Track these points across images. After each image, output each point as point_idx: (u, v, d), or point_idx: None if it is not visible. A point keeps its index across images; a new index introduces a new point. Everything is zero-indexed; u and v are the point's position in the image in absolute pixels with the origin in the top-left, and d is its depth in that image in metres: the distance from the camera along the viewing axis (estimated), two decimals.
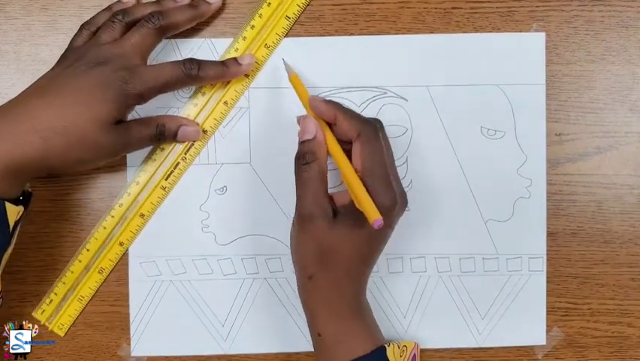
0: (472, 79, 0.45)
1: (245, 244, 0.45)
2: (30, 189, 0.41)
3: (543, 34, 0.45)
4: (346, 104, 0.44)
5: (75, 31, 0.42)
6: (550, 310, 0.45)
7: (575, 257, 0.46)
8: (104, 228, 0.44)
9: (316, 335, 0.39)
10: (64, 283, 0.44)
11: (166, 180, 0.44)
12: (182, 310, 0.45)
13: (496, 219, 0.45)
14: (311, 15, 0.45)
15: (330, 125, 0.39)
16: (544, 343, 0.45)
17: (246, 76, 0.44)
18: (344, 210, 0.38)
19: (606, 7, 0.45)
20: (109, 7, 0.43)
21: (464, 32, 0.45)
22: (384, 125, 0.39)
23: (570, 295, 0.46)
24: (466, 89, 0.45)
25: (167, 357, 0.45)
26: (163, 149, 0.44)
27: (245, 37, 0.44)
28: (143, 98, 0.40)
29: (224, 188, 0.45)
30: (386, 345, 0.39)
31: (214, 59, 0.44)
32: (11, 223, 0.38)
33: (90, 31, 0.42)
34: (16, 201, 0.38)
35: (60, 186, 0.45)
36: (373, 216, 0.35)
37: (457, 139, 0.45)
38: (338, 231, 0.37)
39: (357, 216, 0.36)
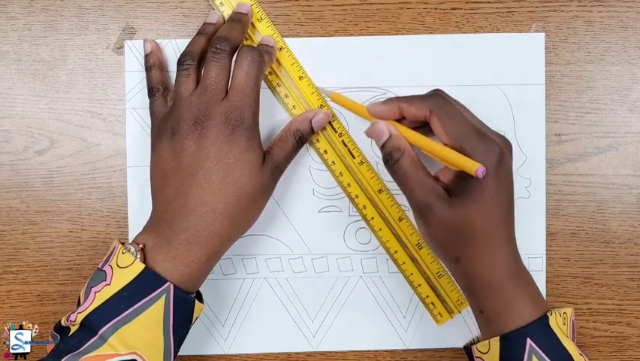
0: (472, 79, 0.45)
1: (245, 244, 0.45)
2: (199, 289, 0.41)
3: (543, 34, 0.45)
4: None
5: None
6: None
7: (574, 257, 0.46)
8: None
9: (478, 312, 0.38)
10: None
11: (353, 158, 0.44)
12: None
13: None
14: (311, 15, 0.45)
15: (398, 120, 0.39)
16: None
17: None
18: (454, 184, 0.36)
19: (605, 8, 0.45)
20: (152, 65, 0.42)
21: (464, 32, 0.45)
22: None
23: (569, 295, 0.46)
24: (466, 89, 0.45)
25: None
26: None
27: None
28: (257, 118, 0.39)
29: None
30: (549, 314, 0.37)
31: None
32: (193, 320, 0.38)
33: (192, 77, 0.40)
34: (198, 298, 0.39)
35: (60, 186, 0.45)
36: (473, 166, 0.34)
37: None
38: (460, 205, 0.36)
39: (469, 182, 0.35)
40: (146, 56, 0.43)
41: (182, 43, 0.44)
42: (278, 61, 0.44)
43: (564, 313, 0.38)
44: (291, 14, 0.45)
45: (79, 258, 0.45)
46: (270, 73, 0.44)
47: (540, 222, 0.45)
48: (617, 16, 0.45)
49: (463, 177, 0.36)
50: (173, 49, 0.44)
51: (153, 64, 0.42)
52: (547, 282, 0.45)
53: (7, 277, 0.45)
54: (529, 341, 0.36)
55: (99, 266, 0.37)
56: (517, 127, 0.45)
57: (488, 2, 0.45)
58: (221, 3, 0.44)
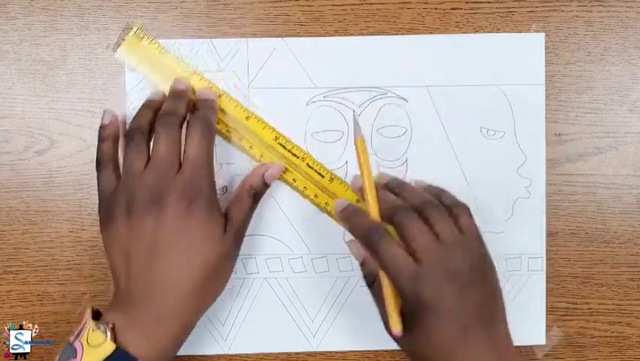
0: (472, 79, 0.45)
1: (245, 244, 0.45)
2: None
3: (542, 34, 0.45)
4: (346, 104, 0.44)
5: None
6: (550, 310, 0.45)
7: (574, 257, 0.46)
8: None
9: None
10: None
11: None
12: None
13: (496, 219, 0.45)
14: (311, 15, 0.45)
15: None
16: (543, 343, 0.45)
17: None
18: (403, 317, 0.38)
19: (605, 8, 0.45)
20: (105, 136, 0.41)
21: (464, 32, 0.45)
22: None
23: (570, 295, 0.46)
24: (466, 89, 0.45)
25: None
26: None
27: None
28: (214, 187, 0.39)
29: (225, 188, 0.45)
30: None
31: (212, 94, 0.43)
32: None
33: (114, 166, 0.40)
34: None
35: (60, 186, 0.45)
36: (392, 329, 0.37)
37: (456, 139, 0.45)
38: (409, 337, 0.37)
39: (408, 318, 0.37)
40: (102, 127, 0.41)
41: (182, 44, 0.44)
42: (221, 109, 0.43)
43: None
44: (291, 14, 0.45)
45: (79, 258, 0.45)
46: (218, 122, 0.43)
47: (540, 223, 0.45)
48: (617, 16, 0.45)
49: (406, 313, 0.37)
50: (173, 49, 0.44)
51: (107, 136, 0.41)
52: (547, 282, 0.45)
53: (7, 277, 0.45)
54: None
55: (70, 339, 0.37)
56: (517, 127, 0.45)
57: (488, 2, 0.45)
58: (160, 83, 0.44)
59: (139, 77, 0.44)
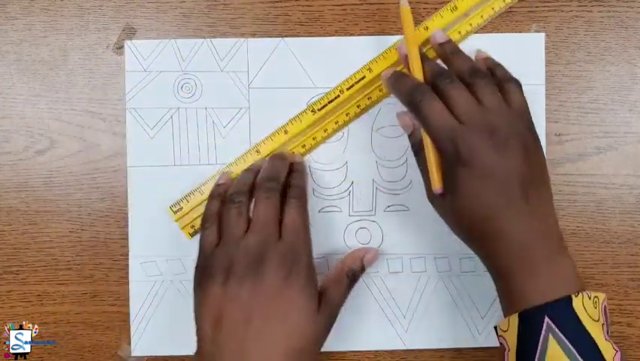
0: None
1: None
2: None
3: (543, 34, 0.45)
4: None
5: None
6: None
7: (574, 257, 0.45)
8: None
9: (497, 278, 0.38)
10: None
11: None
12: (182, 310, 0.45)
13: None
14: (311, 15, 0.45)
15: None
16: None
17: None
18: (444, 181, 0.38)
19: (605, 8, 0.45)
20: (215, 195, 0.42)
21: None
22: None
23: None
24: None
25: (167, 357, 0.45)
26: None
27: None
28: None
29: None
30: (574, 295, 0.34)
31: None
32: None
33: (216, 227, 0.40)
34: None
35: (60, 186, 0.45)
36: (434, 185, 0.38)
37: None
38: (451, 199, 0.37)
39: (450, 176, 0.37)
40: (218, 185, 0.43)
41: (182, 44, 0.44)
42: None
43: (595, 297, 0.35)
44: (291, 14, 0.45)
45: (79, 258, 0.45)
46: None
47: None
48: (617, 16, 0.45)
49: (446, 172, 0.37)
50: (173, 49, 0.44)
51: (218, 195, 0.42)
52: None
53: (7, 277, 0.45)
54: (547, 319, 0.34)
55: None
56: None
57: None
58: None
59: (139, 77, 0.44)
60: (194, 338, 0.46)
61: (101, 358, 0.45)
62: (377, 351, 0.45)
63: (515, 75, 0.39)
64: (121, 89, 0.45)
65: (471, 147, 0.36)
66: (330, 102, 0.44)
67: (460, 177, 0.36)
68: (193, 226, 0.44)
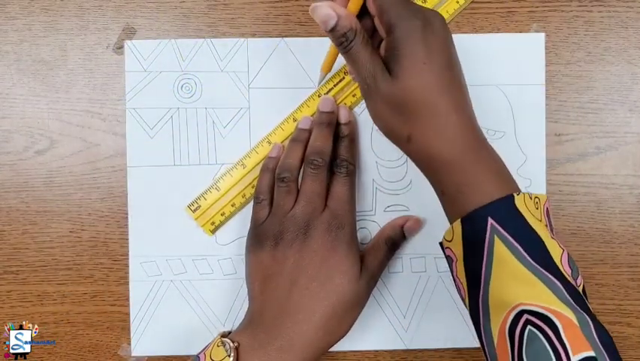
0: (472, 79, 0.44)
1: (242, 246, 0.45)
2: None
3: (543, 34, 0.45)
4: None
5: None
6: None
7: (574, 257, 0.45)
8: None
9: (440, 194, 0.36)
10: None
11: None
12: (182, 310, 0.45)
13: None
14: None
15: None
16: None
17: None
18: (387, 58, 0.35)
19: (606, 8, 0.45)
20: (267, 169, 0.43)
21: (464, 33, 0.45)
22: None
23: None
24: None
25: (167, 357, 0.45)
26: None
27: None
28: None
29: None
30: (515, 194, 0.34)
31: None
32: None
33: (268, 201, 0.42)
34: None
35: (60, 186, 0.45)
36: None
37: None
38: (395, 77, 0.34)
39: (398, 51, 0.34)
40: (270, 158, 0.44)
41: (182, 44, 0.44)
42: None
43: (536, 198, 0.35)
44: (291, 14, 0.45)
45: (79, 258, 0.45)
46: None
47: None
48: (617, 16, 0.45)
49: (392, 48, 0.35)
50: (173, 49, 0.44)
51: (269, 169, 0.43)
52: None
53: (7, 277, 0.45)
54: (490, 220, 0.33)
55: (197, 352, 0.38)
56: (517, 127, 0.45)
57: (488, 2, 0.45)
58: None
59: (139, 77, 0.44)
60: (194, 338, 0.46)
61: (101, 358, 0.45)
62: (377, 351, 0.45)
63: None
64: (121, 89, 0.45)
65: (427, 26, 0.34)
66: (335, 85, 0.44)
67: (410, 49, 0.34)
68: (213, 222, 0.44)
